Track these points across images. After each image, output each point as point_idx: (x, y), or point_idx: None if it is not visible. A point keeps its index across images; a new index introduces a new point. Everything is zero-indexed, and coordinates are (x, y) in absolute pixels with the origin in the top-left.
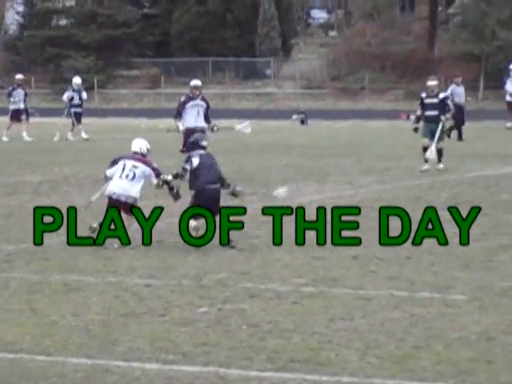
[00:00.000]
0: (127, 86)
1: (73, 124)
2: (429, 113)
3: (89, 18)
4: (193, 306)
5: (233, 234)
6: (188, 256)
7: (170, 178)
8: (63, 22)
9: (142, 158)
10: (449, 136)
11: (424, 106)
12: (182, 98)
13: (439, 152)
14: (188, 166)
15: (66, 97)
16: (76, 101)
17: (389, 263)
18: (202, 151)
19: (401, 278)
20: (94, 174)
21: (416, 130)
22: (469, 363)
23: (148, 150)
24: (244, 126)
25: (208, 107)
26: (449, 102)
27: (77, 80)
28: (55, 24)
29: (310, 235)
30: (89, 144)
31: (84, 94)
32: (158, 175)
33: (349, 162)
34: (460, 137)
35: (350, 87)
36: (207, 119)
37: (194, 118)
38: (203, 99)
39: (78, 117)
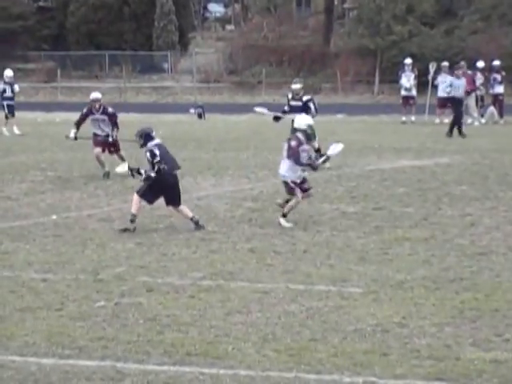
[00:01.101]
0: (23, 80)
1: (6, 117)
2: (293, 115)
3: None
4: (90, 300)
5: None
6: (85, 250)
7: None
8: None
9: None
10: (450, 134)
11: (290, 107)
12: (85, 110)
13: None
14: (158, 159)
15: None
16: (8, 93)
17: (286, 257)
18: (155, 141)
19: (297, 271)
20: None
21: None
22: (364, 355)
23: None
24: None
25: (112, 116)
26: (311, 105)
27: (8, 72)
28: None
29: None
30: None
31: (16, 87)
32: None
33: (246, 155)
34: (460, 132)
35: (247, 81)
36: (115, 126)
37: (95, 129)
38: (104, 112)
39: (10, 109)
